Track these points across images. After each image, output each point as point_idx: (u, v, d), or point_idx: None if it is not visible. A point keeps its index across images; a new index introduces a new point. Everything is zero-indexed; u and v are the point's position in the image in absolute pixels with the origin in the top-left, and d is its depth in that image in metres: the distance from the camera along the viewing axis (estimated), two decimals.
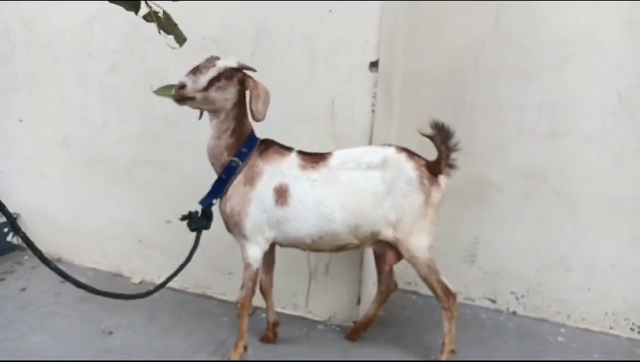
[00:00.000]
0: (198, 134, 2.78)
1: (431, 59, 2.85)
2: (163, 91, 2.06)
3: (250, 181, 2.14)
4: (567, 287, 2.82)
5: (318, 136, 2.52)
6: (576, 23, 2.60)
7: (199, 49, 2.65)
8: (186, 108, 2.75)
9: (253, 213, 2.14)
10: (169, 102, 2.79)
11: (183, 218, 2.24)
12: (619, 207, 2.67)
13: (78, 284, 1.86)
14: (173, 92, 1.98)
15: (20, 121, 3.30)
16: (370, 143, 2.49)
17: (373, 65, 2.41)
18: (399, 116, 2.93)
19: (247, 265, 2.21)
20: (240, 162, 2.14)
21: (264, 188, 2.14)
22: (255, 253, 2.20)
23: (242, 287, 2.24)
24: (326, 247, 2.25)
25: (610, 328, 2.78)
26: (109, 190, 3.12)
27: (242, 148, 2.14)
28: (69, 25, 3.00)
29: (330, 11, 2.42)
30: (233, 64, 2.04)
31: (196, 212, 2.24)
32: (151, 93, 2.82)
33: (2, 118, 3.34)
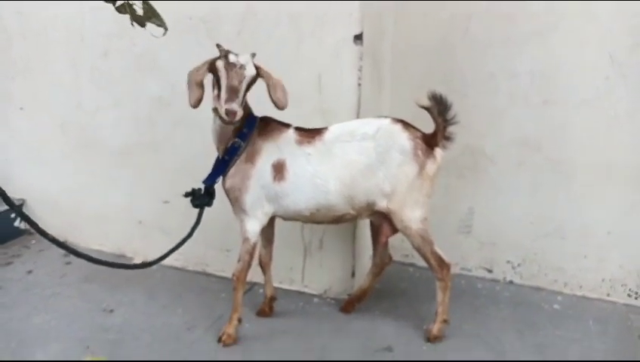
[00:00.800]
0: (190, 114, 2.81)
1: (420, 30, 2.82)
2: None
3: (251, 158, 2.18)
4: (563, 255, 2.81)
5: (306, 111, 2.53)
6: None
7: (187, 30, 2.68)
8: (179, 89, 2.79)
9: (252, 189, 2.18)
10: (161, 84, 2.85)
11: (187, 195, 2.30)
12: (613, 173, 2.64)
13: (85, 256, 1.95)
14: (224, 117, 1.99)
15: (21, 109, 3.36)
16: (358, 117, 2.49)
17: (358, 38, 2.40)
18: (391, 88, 2.91)
19: (245, 239, 2.25)
20: (242, 143, 2.18)
21: (263, 164, 2.18)
22: (253, 227, 2.24)
23: (239, 260, 2.28)
24: (325, 219, 2.28)
25: (607, 295, 2.77)
26: (108, 173, 3.18)
27: (244, 128, 2.18)
28: (62, 12, 3.03)
29: None
30: (253, 70, 2.05)
31: (199, 189, 2.29)
32: (143, 76, 2.87)
33: (4, 106, 3.41)
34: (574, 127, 2.66)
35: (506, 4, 2.63)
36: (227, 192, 2.24)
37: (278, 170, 2.17)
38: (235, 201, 2.22)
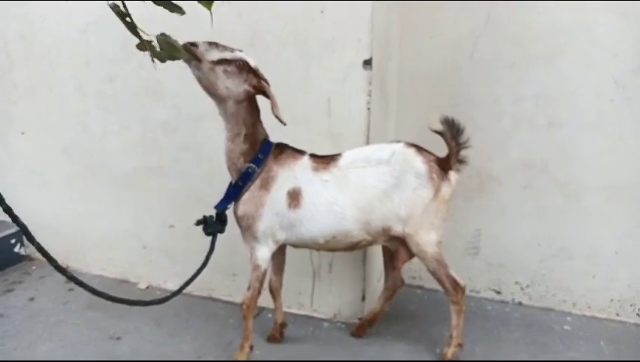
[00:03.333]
0: (196, 139, 2.84)
1: (426, 54, 2.85)
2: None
3: (265, 185, 2.16)
4: (571, 276, 2.82)
5: (315, 135, 2.54)
6: (569, 11, 2.59)
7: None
8: (185, 114, 2.81)
9: (265, 216, 2.16)
10: (167, 109, 2.84)
11: (198, 223, 2.24)
12: (619, 193, 2.67)
13: (94, 292, 1.87)
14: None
15: (22, 133, 3.33)
16: (368, 141, 2.50)
17: (367, 63, 2.42)
18: (397, 112, 2.94)
19: (255, 266, 2.23)
20: (257, 168, 2.15)
21: (278, 191, 2.16)
22: (264, 254, 2.22)
23: (249, 288, 2.26)
24: (339, 246, 2.26)
25: (617, 315, 2.78)
26: (112, 197, 3.15)
27: (259, 154, 2.15)
28: (66, 36, 3.02)
29: (322, 12, 2.42)
30: (251, 62, 2.05)
31: (211, 216, 2.25)
32: (148, 100, 2.87)
33: (5, 130, 3.38)
34: (580, 148, 2.69)
35: (513, 26, 2.67)
36: (239, 219, 2.21)
37: (294, 197, 2.16)
38: (248, 229, 2.19)
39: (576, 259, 2.80)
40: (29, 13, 3.11)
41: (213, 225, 2.25)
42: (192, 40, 1.97)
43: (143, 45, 1.69)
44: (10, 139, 3.38)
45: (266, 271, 2.25)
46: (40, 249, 1.71)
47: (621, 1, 2.50)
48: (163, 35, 1.69)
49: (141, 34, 1.63)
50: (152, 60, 1.73)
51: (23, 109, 3.30)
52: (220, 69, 1.99)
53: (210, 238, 2.27)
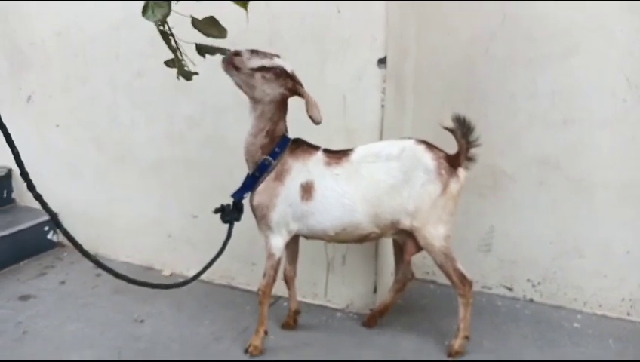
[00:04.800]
0: (219, 132, 2.96)
1: (442, 51, 2.90)
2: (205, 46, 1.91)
3: (280, 177, 2.26)
4: (582, 274, 2.84)
5: (331, 130, 2.61)
6: (584, 9, 2.61)
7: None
8: (209, 109, 2.93)
9: (279, 207, 2.26)
10: (192, 104, 2.96)
11: (216, 211, 2.37)
12: (632, 192, 2.67)
13: (117, 275, 1.99)
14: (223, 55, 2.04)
15: (57, 126, 3.51)
16: (381, 137, 2.58)
17: (382, 61, 2.50)
18: (413, 109, 3.00)
19: (270, 255, 2.34)
20: (273, 161, 2.26)
21: (291, 183, 2.26)
22: (278, 243, 2.32)
23: (264, 275, 2.37)
24: (349, 238, 2.35)
25: (628, 314, 2.79)
26: (139, 188, 3.31)
27: (276, 147, 2.27)
28: (98, 32, 3.19)
29: (339, 11, 2.51)
30: (288, 69, 2.17)
31: (228, 205, 2.37)
32: (175, 95, 2.99)
33: (40, 123, 3.57)
34: (594, 146, 2.71)
35: (528, 24, 2.70)
36: (254, 209, 2.33)
37: (307, 190, 2.25)
38: (262, 218, 2.30)
39: (587, 257, 2.81)
40: (63, 12, 3.29)
41: (230, 213, 2.36)
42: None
43: (172, 62, 1.80)
44: (45, 132, 3.57)
45: (280, 259, 2.35)
46: (67, 234, 1.84)
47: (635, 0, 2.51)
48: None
49: (178, 53, 1.74)
50: (177, 78, 1.84)
51: (57, 103, 3.48)
52: (258, 75, 2.13)
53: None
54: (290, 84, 2.18)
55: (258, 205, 2.29)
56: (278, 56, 2.18)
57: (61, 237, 3.65)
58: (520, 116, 2.82)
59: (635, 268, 2.74)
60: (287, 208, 2.27)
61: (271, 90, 2.16)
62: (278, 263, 2.36)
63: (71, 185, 3.55)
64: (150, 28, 1.66)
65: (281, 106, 2.25)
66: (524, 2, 2.69)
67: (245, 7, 1.65)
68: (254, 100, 2.20)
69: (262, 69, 2.12)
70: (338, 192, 2.25)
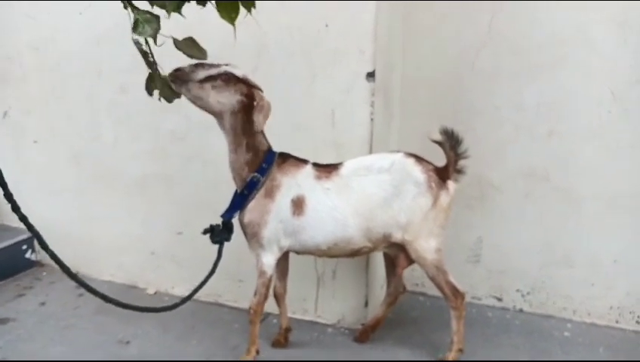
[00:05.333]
0: (203, 148, 2.91)
1: (429, 65, 2.91)
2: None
3: (270, 193, 2.22)
4: (571, 283, 2.86)
5: (319, 144, 2.60)
6: (570, 23, 2.64)
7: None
8: (193, 124, 2.88)
9: (270, 224, 2.22)
10: (175, 119, 2.91)
11: (205, 231, 2.29)
12: (619, 202, 2.71)
13: (105, 298, 1.93)
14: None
15: (35, 142, 3.41)
16: (370, 150, 2.56)
17: (370, 75, 2.49)
18: (400, 122, 3.00)
19: (261, 273, 2.29)
20: (261, 177, 2.22)
21: (282, 199, 2.23)
22: (269, 260, 2.28)
23: (255, 294, 2.32)
24: (341, 253, 2.32)
25: (616, 322, 2.82)
26: (122, 204, 3.23)
27: (263, 163, 2.22)
28: (78, 47, 3.11)
29: (327, 25, 2.50)
30: (237, 73, 2.10)
31: (217, 225, 2.30)
32: (159, 110, 2.93)
33: (18, 139, 3.47)
34: (580, 157, 2.74)
35: (514, 37, 2.73)
36: (245, 227, 2.27)
37: (298, 205, 2.22)
38: (253, 236, 2.26)
39: (576, 266, 2.84)
40: (41, 25, 3.20)
41: (219, 234, 2.29)
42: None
43: (153, 84, 1.77)
44: (23, 149, 3.46)
45: (271, 276, 2.32)
46: (53, 256, 1.77)
47: (622, 2, 2.55)
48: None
49: (158, 71, 1.72)
50: (159, 99, 1.81)
51: (35, 119, 3.39)
52: (208, 85, 2.06)
53: (217, 246, 2.32)
54: (245, 89, 2.11)
55: (249, 223, 2.24)
56: (226, 65, 2.11)
57: (40, 256, 3.53)
58: (506, 128, 2.84)
59: (623, 276, 2.77)
60: (278, 224, 2.23)
61: (225, 98, 2.09)
62: (270, 281, 2.32)
63: (50, 202, 3.44)
64: (132, 44, 1.62)
65: (248, 116, 2.14)
66: (510, 15, 2.72)
67: (233, 22, 1.63)
68: (215, 114, 2.15)
69: (209, 78, 2.05)
70: (329, 206, 2.22)
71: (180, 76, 2.02)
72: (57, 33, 3.16)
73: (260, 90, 2.15)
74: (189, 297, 2.30)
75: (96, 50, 3.06)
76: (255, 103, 2.11)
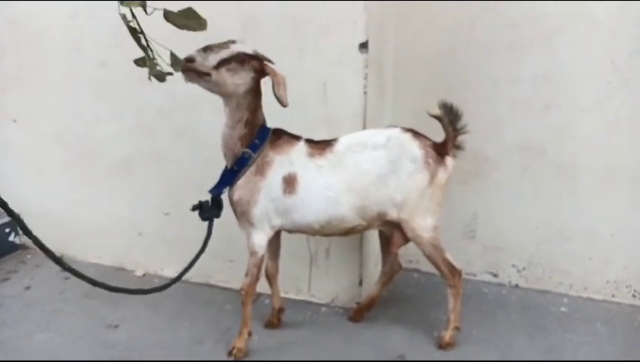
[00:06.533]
0: (191, 124, 2.81)
1: (422, 37, 2.82)
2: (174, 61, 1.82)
3: (261, 170, 2.14)
4: (567, 258, 2.83)
5: (311, 119, 2.51)
6: None
7: (188, 39, 2.63)
8: (179, 99, 2.77)
9: (261, 202, 2.15)
10: (161, 94, 2.80)
11: (194, 208, 2.22)
12: (616, 175, 2.67)
13: (93, 282, 1.85)
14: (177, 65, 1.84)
15: (14, 121, 3.29)
16: (364, 125, 2.48)
17: (363, 46, 2.39)
18: (393, 96, 2.91)
19: (252, 253, 2.22)
20: (253, 154, 2.13)
21: (273, 177, 2.15)
22: (260, 240, 2.21)
23: (247, 274, 2.25)
24: (335, 231, 2.26)
25: (613, 296, 2.80)
26: (107, 184, 3.13)
27: (255, 139, 2.13)
28: (55, 20, 2.97)
29: None
30: (248, 50, 2.01)
31: (206, 201, 2.23)
32: (142, 86, 2.82)
33: None
34: (577, 131, 2.68)
35: (510, 9, 2.64)
36: (234, 204, 2.20)
37: (289, 183, 2.14)
38: (243, 214, 2.18)
39: (572, 241, 2.81)
40: None
41: (209, 210, 2.23)
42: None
43: (142, 61, 1.65)
44: (2, 128, 3.33)
45: (263, 256, 2.25)
46: (37, 242, 1.68)
47: None
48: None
49: (148, 51, 1.60)
50: (149, 78, 1.69)
51: (13, 96, 3.25)
52: (223, 70, 1.97)
53: (206, 224, 2.25)
54: (257, 65, 2.04)
55: (239, 200, 2.17)
56: (233, 42, 2.01)
57: (24, 239, 3.44)
58: (502, 102, 2.77)
59: (620, 250, 2.75)
60: (269, 203, 2.16)
61: (241, 79, 2.01)
62: (262, 261, 2.25)
63: (32, 183, 3.34)
64: (113, 17, 1.51)
65: (256, 92, 2.11)
66: None
67: None
68: (228, 96, 2.06)
69: (223, 62, 1.96)
70: (322, 185, 2.15)
71: (194, 68, 1.92)
72: (34, 6, 3.01)
73: (271, 62, 2.06)
74: (180, 277, 2.23)
75: (75, 24, 2.92)
76: (272, 79, 2.03)
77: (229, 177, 2.19)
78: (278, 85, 2.03)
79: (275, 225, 2.22)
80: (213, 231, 2.28)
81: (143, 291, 2.10)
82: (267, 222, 2.19)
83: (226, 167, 2.21)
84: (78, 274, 1.79)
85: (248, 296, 2.28)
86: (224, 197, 2.25)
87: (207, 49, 1.96)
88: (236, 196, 2.18)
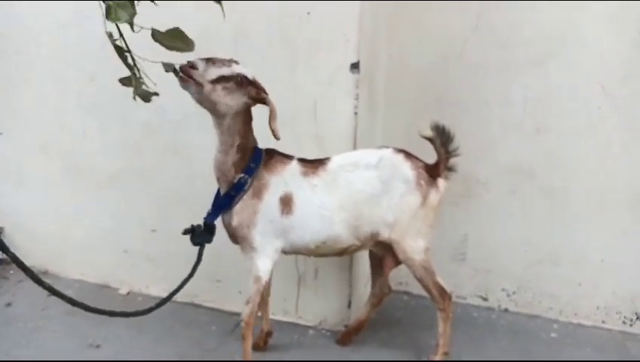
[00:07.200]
0: (180, 141, 2.77)
1: (414, 56, 2.81)
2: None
3: (258, 193, 2.09)
4: (557, 282, 2.81)
5: (301, 137, 2.49)
6: (559, 17, 2.58)
7: (177, 54, 2.61)
8: (167, 115, 2.74)
9: (260, 225, 2.10)
10: (149, 109, 2.75)
11: (186, 232, 2.14)
12: (606, 200, 2.66)
13: (73, 302, 1.78)
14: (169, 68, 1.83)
15: (0, 133, 3.23)
16: (355, 144, 2.46)
17: (355, 66, 2.38)
18: (384, 115, 2.90)
19: (256, 278, 2.13)
20: (249, 178, 2.08)
21: (270, 198, 2.10)
22: (265, 264, 2.14)
23: (247, 302, 2.16)
24: (330, 251, 2.22)
25: (603, 322, 2.78)
26: (92, 199, 3.07)
27: (250, 163, 2.09)
28: (44, 32, 2.94)
29: (309, 13, 2.38)
30: (249, 75, 1.98)
31: (199, 226, 2.15)
32: (130, 100, 2.78)
33: None
34: (568, 154, 2.68)
35: (502, 30, 2.65)
36: (234, 230, 2.13)
37: (286, 203, 2.10)
38: (244, 239, 2.12)
39: (562, 265, 2.79)
40: (5, 7, 3.00)
41: (200, 235, 2.15)
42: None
43: (128, 80, 1.62)
44: None
45: (267, 283, 2.17)
46: (15, 259, 1.63)
47: (611, 1, 2.49)
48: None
49: (135, 70, 1.57)
50: (134, 98, 1.66)
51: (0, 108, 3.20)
52: (219, 87, 1.91)
53: (192, 245, 2.18)
54: (254, 92, 2.00)
55: (238, 225, 2.10)
56: (236, 62, 1.97)
57: None
58: (493, 123, 2.77)
59: (610, 275, 2.73)
60: (267, 225, 2.10)
61: (234, 101, 1.96)
62: (265, 288, 2.18)
63: (16, 196, 3.27)
64: (102, 30, 1.48)
65: (247, 117, 2.06)
66: (498, 6, 2.64)
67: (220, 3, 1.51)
68: (218, 115, 2.00)
69: (221, 79, 1.91)
70: (317, 204, 2.11)
71: (192, 75, 1.87)
72: (22, 17, 2.98)
73: (266, 93, 2.02)
74: (165, 301, 2.15)
75: (64, 36, 2.89)
76: (270, 111, 2.00)
77: (224, 202, 2.12)
78: (274, 118, 2.00)
79: (277, 248, 2.16)
80: (191, 248, 2.18)
81: (126, 314, 2.03)
82: (269, 244, 2.13)
83: (218, 191, 2.15)
84: (57, 293, 1.73)
85: (249, 328, 2.17)
86: (217, 221, 2.18)
87: (209, 61, 1.91)
88: (235, 221, 2.11)
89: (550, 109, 2.66)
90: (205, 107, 1.99)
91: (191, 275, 2.18)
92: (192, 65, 1.87)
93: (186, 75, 1.86)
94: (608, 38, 2.53)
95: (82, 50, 2.87)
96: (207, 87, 1.89)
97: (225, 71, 1.92)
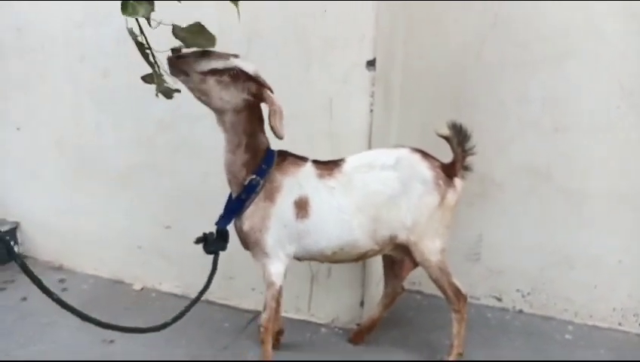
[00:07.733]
0: (193, 137, 2.77)
1: (431, 55, 2.78)
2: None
3: (270, 196, 2.04)
4: (573, 284, 2.78)
5: (316, 135, 2.48)
6: (577, 14, 2.53)
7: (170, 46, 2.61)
8: (181, 112, 2.73)
9: (273, 229, 2.05)
10: (163, 106, 2.76)
11: (198, 241, 2.09)
12: (624, 201, 2.62)
13: (83, 317, 1.79)
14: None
15: (18, 129, 3.26)
16: (370, 143, 2.44)
17: (371, 63, 2.36)
18: (400, 113, 2.87)
19: (269, 284, 2.11)
20: (261, 180, 2.02)
21: (284, 202, 2.05)
22: (277, 269, 2.10)
23: (264, 308, 2.13)
24: (347, 257, 2.18)
25: (619, 324, 2.74)
26: (107, 195, 3.09)
27: (262, 164, 2.03)
28: (61, 29, 2.96)
29: (325, 11, 2.36)
30: (249, 70, 1.90)
31: (211, 233, 2.11)
32: (144, 97, 2.79)
33: None
34: (585, 154, 2.64)
35: (519, 28, 2.62)
36: (245, 235, 2.08)
37: (301, 206, 2.05)
38: (256, 244, 2.07)
39: (578, 267, 2.75)
40: (23, 5, 3.03)
41: (214, 243, 2.11)
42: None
43: (150, 78, 1.62)
44: (5, 135, 3.31)
45: (281, 287, 2.14)
46: (23, 266, 1.64)
47: (630, 1, 2.45)
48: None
49: (156, 67, 1.57)
50: (157, 95, 1.65)
51: (16, 104, 3.23)
52: (211, 80, 1.85)
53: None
54: (254, 88, 1.91)
55: (250, 230, 2.06)
56: (236, 56, 1.91)
57: (22, 248, 3.39)
58: (510, 122, 2.73)
59: (626, 278, 2.69)
60: (281, 229, 2.05)
61: (229, 96, 1.89)
62: (279, 293, 2.15)
63: (32, 192, 3.30)
64: (117, 27, 1.49)
65: (252, 116, 1.98)
66: (516, 5, 2.60)
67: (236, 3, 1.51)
68: (216, 111, 1.96)
69: (214, 72, 1.85)
70: (335, 207, 2.06)
71: (179, 65, 1.83)
72: (40, 14, 3.00)
73: (270, 90, 1.93)
74: (181, 315, 2.13)
75: (80, 32, 2.90)
76: (269, 108, 1.92)
77: (236, 207, 2.08)
78: (274, 115, 1.91)
79: (289, 253, 2.12)
80: (200, 250, 2.15)
81: (140, 330, 2.02)
82: (281, 249, 2.09)
83: (230, 195, 2.11)
84: (67, 306, 1.74)
85: (268, 333, 2.15)
86: (229, 225, 2.14)
87: (204, 53, 1.85)
88: (247, 226, 2.06)
89: (568, 108, 2.62)
90: (201, 101, 1.95)
91: (207, 286, 2.15)
92: (180, 56, 1.83)
93: (172, 62, 1.82)
94: (627, 36, 2.48)
95: (97, 46, 2.88)
96: (195, 77, 1.84)
97: (218, 64, 1.85)
